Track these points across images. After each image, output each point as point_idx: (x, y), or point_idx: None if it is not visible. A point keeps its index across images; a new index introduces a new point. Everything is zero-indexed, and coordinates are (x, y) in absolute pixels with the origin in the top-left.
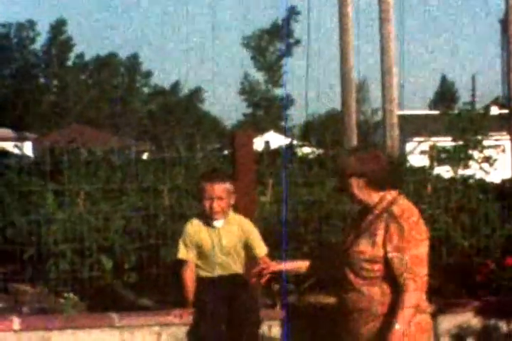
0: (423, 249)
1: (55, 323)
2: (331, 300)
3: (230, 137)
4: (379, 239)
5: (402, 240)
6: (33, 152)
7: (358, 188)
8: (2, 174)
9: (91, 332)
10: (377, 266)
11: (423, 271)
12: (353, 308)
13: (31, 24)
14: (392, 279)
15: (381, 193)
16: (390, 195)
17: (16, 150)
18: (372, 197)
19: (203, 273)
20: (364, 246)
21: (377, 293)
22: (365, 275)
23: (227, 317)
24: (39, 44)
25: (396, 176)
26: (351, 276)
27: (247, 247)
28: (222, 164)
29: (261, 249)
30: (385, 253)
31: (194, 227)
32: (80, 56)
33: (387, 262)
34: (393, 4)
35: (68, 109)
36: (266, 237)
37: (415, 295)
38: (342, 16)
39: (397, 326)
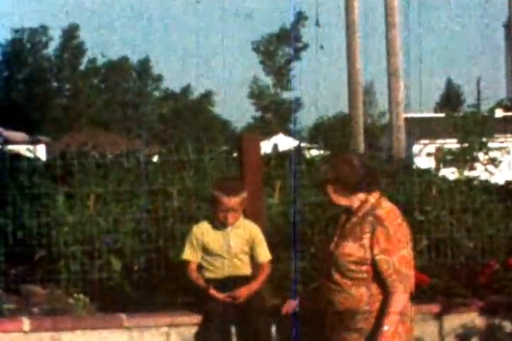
0: (408, 251)
1: (65, 324)
2: None
3: (237, 140)
4: (366, 241)
5: (389, 242)
6: (46, 155)
7: (336, 193)
8: (14, 177)
9: (100, 332)
10: (365, 268)
11: (409, 272)
12: (342, 309)
13: (44, 29)
14: (380, 280)
15: (360, 196)
16: (373, 197)
17: (29, 154)
18: (352, 200)
19: (211, 275)
20: (350, 248)
21: (365, 294)
22: (352, 276)
23: (237, 319)
24: (52, 49)
25: (372, 179)
26: (338, 277)
27: (251, 252)
28: (231, 166)
29: (264, 256)
30: (373, 255)
31: (202, 229)
32: (93, 60)
33: (374, 264)
34: (399, 8)
35: (80, 113)
36: (274, 239)
37: (403, 297)
38: (348, 20)
39: (385, 327)
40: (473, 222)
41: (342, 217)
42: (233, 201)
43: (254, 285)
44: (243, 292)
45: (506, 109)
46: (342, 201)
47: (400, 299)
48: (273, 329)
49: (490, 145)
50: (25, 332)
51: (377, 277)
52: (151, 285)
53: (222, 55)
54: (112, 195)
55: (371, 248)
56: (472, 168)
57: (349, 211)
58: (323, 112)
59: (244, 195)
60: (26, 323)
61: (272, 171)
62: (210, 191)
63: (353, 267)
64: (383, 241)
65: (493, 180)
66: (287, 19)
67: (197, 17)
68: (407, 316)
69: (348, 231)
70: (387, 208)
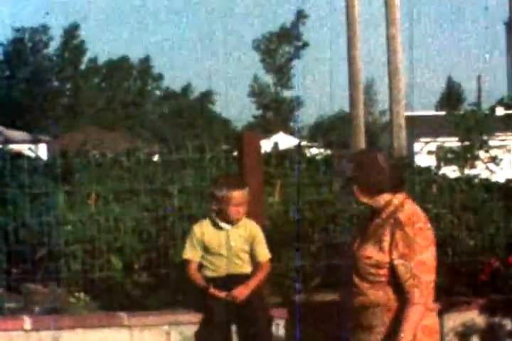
0: (429, 255)
1: (66, 322)
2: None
3: (237, 139)
4: (385, 244)
5: (408, 247)
6: (47, 154)
7: (360, 192)
8: (15, 176)
9: (101, 331)
10: (383, 271)
11: (429, 277)
12: (359, 312)
13: (45, 28)
14: (397, 284)
15: (385, 196)
16: (397, 199)
17: (30, 153)
18: (376, 200)
19: (211, 274)
20: (370, 251)
21: (382, 298)
22: (371, 279)
23: (237, 317)
24: (52, 48)
25: (397, 179)
26: (357, 280)
27: (251, 251)
28: (231, 165)
29: (263, 254)
30: (391, 259)
31: (202, 228)
32: (93, 60)
33: (392, 268)
34: (399, 6)
35: (81, 112)
36: (274, 237)
37: (420, 306)
38: (349, 18)
39: (402, 334)
40: (473, 220)
41: (366, 218)
42: (243, 194)
43: (252, 284)
44: (242, 290)
45: (507, 107)
46: (367, 200)
47: (418, 308)
48: (274, 327)
49: (491, 143)
50: (26, 331)
51: (395, 282)
52: (151, 284)
53: (223, 54)
54: (113, 194)
55: (390, 252)
56: (473, 166)
57: (373, 212)
58: (324, 111)
59: (248, 189)
60: (27, 322)
61: (272, 170)
62: (214, 189)
63: (371, 270)
64: (402, 245)
65: (493, 178)
66: (287, 18)
67: (197, 15)
68: (432, 313)
69: (370, 233)
70: (408, 211)
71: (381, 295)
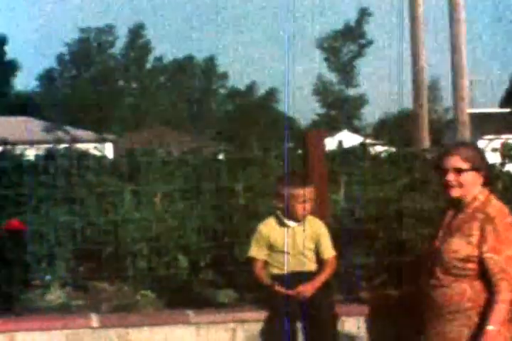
0: None
1: (133, 320)
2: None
3: (301, 137)
4: (474, 239)
5: (498, 241)
6: (113, 153)
7: (473, 182)
8: (82, 175)
9: (167, 328)
10: (471, 265)
11: None
12: (441, 305)
13: (110, 28)
14: (485, 278)
15: (475, 190)
16: (482, 194)
17: (96, 152)
18: (473, 193)
19: (277, 271)
20: (457, 245)
21: (467, 290)
22: (456, 273)
23: (303, 315)
24: (118, 48)
25: (489, 174)
26: (440, 273)
27: (316, 248)
28: (295, 163)
29: (328, 252)
30: (480, 253)
31: (267, 226)
32: (159, 59)
33: (481, 261)
34: (463, 5)
35: (147, 111)
36: (338, 235)
37: (509, 295)
38: (413, 16)
39: (490, 327)
40: None
41: (448, 213)
42: (308, 192)
43: (318, 281)
44: (307, 288)
45: None
46: (469, 192)
47: (506, 298)
48: (340, 324)
49: None
50: (93, 328)
51: (483, 275)
52: (217, 281)
53: (287, 53)
54: (178, 193)
55: (479, 246)
56: None
57: (457, 206)
58: (388, 108)
59: (313, 186)
60: (94, 319)
61: (336, 168)
62: (280, 186)
63: (458, 264)
64: (492, 239)
65: None
66: (351, 16)
67: (261, 15)
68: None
69: (454, 228)
70: (497, 206)
71: (466, 288)
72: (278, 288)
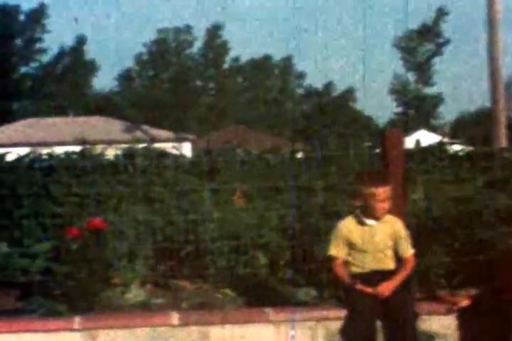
0: None
1: (213, 318)
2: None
3: (380, 136)
4: None
5: None
6: (191, 152)
7: None
8: (161, 174)
9: (247, 326)
10: None
11: None
12: None
13: (188, 29)
14: None
15: None
16: None
17: (175, 151)
18: None
19: (356, 270)
20: None
21: None
22: None
23: (383, 313)
24: (196, 48)
25: None
26: None
27: (395, 247)
28: (374, 162)
29: (407, 250)
30: None
31: (347, 225)
32: (236, 59)
33: None
34: None
35: (225, 111)
36: (417, 233)
37: None
38: (491, 15)
39: None
40: None
41: None
42: (387, 190)
43: (397, 280)
44: (387, 286)
45: None
46: None
47: None
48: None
49: None
50: (173, 326)
51: None
52: (297, 279)
53: (364, 52)
54: (257, 191)
55: None
56: None
57: None
58: (465, 107)
59: (391, 185)
60: (175, 317)
61: (414, 166)
62: (359, 185)
63: None
64: None
65: None
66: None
67: (337, 14)
68: None
69: None
70: None
71: None
72: (359, 286)
